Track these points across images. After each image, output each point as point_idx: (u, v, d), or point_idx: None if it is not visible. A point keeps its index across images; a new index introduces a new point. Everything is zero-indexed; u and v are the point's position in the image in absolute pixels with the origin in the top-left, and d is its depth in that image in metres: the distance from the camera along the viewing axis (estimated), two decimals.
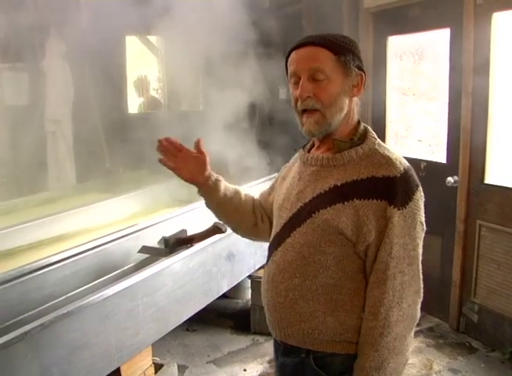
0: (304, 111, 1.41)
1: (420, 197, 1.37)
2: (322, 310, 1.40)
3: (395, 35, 3.97)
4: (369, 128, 1.49)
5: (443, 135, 3.64)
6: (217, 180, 1.66)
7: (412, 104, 4.11)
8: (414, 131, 4.13)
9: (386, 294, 1.33)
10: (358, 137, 1.45)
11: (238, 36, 3.83)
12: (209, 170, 1.64)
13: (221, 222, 2.74)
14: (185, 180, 1.64)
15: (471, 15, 3.19)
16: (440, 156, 3.69)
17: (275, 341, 1.57)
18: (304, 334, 1.42)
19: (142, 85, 5.57)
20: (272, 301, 1.49)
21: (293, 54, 1.43)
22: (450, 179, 3.45)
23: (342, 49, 1.39)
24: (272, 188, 1.72)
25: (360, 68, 1.43)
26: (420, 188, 1.38)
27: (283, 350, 1.52)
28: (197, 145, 1.62)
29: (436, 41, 3.72)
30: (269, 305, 1.50)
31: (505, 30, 3.10)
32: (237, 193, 1.72)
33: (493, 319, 3.30)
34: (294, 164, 1.61)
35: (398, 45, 4.05)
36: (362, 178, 1.35)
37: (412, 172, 1.38)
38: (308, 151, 1.54)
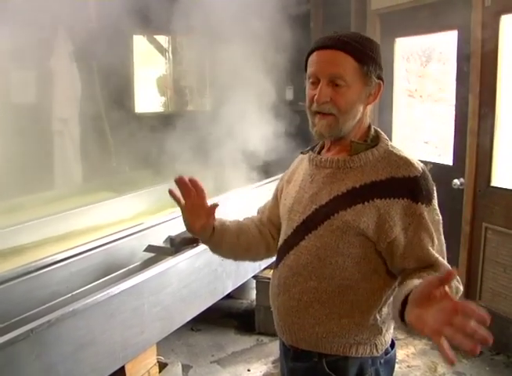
0: (318, 112, 1.40)
1: (436, 196, 1.39)
2: (337, 312, 1.39)
3: (403, 37, 3.97)
4: (380, 130, 1.49)
5: (449, 138, 3.64)
6: (222, 230, 1.58)
7: (419, 106, 4.11)
8: (420, 133, 4.13)
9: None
10: (371, 139, 1.45)
11: (245, 36, 3.84)
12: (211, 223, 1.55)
13: None
14: (189, 228, 1.56)
15: (479, 17, 3.18)
16: (446, 158, 3.68)
17: (284, 345, 1.54)
18: (318, 338, 1.41)
19: (164, 84, 5.56)
20: (283, 306, 1.47)
21: (315, 55, 1.40)
22: (456, 182, 3.45)
23: (366, 58, 1.37)
24: (276, 199, 1.68)
25: (380, 77, 1.41)
26: (435, 187, 1.40)
27: (293, 355, 1.50)
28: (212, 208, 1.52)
29: (443, 43, 3.71)
30: (280, 310, 1.49)
31: None
32: (243, 232, 1.64)
33: (498, 323, 3.28)
34: (299, 167, 1.59)
35: (405, 46, 4.05)
36: (382, 179, 1.36)
37: (428, 172, 1.39)
38: (318, 153, 1.52)
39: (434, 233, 1.34)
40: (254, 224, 1.70)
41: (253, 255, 1.70)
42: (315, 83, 1.39)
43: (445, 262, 1.34)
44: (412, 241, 1.33)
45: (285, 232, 1.51)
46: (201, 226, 1.53)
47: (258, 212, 1.77)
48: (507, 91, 3.16)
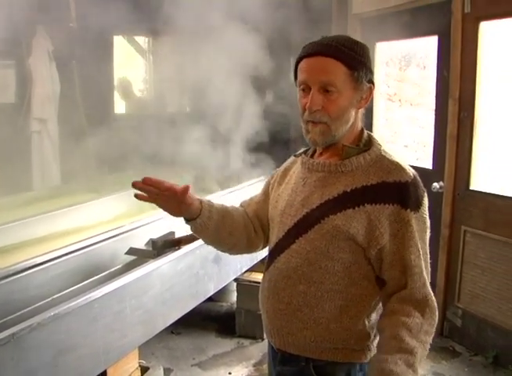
0: (310, 121, 1.40)
1: (426, 202, 1.38)
2: (326, 317, 1.39)
3: (383, 41, 4.00)
4: (373, 135, 1.49)
5: (429, 142, 3.68)
6: (209, 205, 1.52)
7: (398, 110, 4.15)
8: (400, 137, 4.17)
9: (429, 295, 1.35)
10: (363, 144, 1.44)
11: (225, 39, 3.84)
12: (193, 199, 1.47)
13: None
14: (173, 215, 1.50)
15: (459, 23, 3.23)
16: (426, 162, 3.72)
17: (272, 349, 1.54)
18: (306, 342, 1.41)
19: (123, 87, 5.46)
20: (272, 309, 1.47)
21: (305, 62, 1.39)
22: (436, 185, 3.48)
23: (356, 63, 1.36)
24: (266, 194, 1.66)
25: (370, 81, 1.41)
26: (426, 193, 1.39)
27: (280, 359, 1.50)
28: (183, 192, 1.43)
29: (424, 48, 3.76)
30: (269, 313, 1.48)
31: (492, 38, 3.15)
32: (228, 214, 1.58)
33: (476, 324, 3.33)
34: (292, 169, 1.58)
35: (384, 51, 4.09)
36: (372, 183, 1.35)
37: (419, 178, 1.39)
38: (311, 156, 1.52)
39: (418, 242, 1.34)
40: (239, 213, 1.64)
41: (234, 241, 1.60)
42: (306, 90, 1.39)
43: (421, 278, 1.34)
44: (399, 249, 1.34)
45: (276, 235, 1.50)
46: (183, 210, 1.47)
47: (242, 206, 1.71)
48: (486, 96, 3.22)
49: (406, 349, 1.25)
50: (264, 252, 2.99)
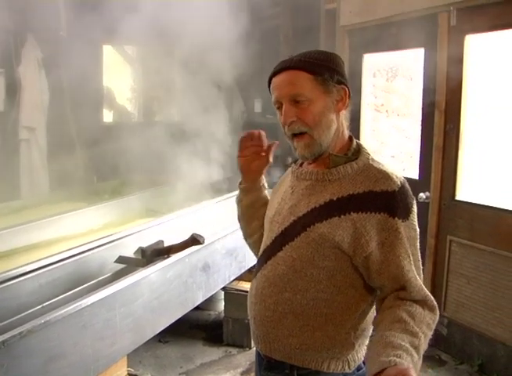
0: (294, 135, 1.42)
1: (415, 209, 1.39)
2: (311, 325, 1.40)
3: (371, 53, 4.06)
4: (362, 144, 1.50)
5: (416, 152, 3.72)
6: (263, 186, 1.69)
7: (385, 120, 4.20)
8: (387, 148, 4.21)
9: (428, 295, 1.35)
10: (352, 153, 1.46)
11: (214, 48, 3.87)
12: (263, 175, 1.67)
13: (199, 234, 2.78)
14: (241, 168, 1.65)
15: (445, 36, 3.28)
16: (412, 172, 3.76)
17: (259, 355, 1.55)
18: (291, 349, 1.42)
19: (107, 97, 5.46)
20: (259, 315, 1.48)
21: (273, 82, 1.44)
22: (422, 195, 3.52)
23: (318, 68, 1.39)
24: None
25: (341, 82, 1.42)
26: (415, 201, 1.40)
27: (266, 365, 1.51)
28: (269, 147, 1.62)
29: (410, 60, 3.81)
30: (256, 319, 1.49)
31: (477, 51, 3.21)
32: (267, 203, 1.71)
33: (462, 333, 3.37)
34: (285, 179, 1.61)
35: (371, 62, 4.14)
36: (359, 192, 1.36)
37: (408, 185, 1.40)
38: (300, 165, 1.54)
39: (409, 249, 1.34)
40: None
41: (259, 226, 1.68)
42: (281, 108, 1.42)
43: (417, 281, 1.35)
44: (387, 257, 1.34)
45: (265, 242, 1.53)
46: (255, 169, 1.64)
47: None
48: (472, 108, 3.27)
49: (412, 332, 1.24)
50: (251, 261, 3.02)
